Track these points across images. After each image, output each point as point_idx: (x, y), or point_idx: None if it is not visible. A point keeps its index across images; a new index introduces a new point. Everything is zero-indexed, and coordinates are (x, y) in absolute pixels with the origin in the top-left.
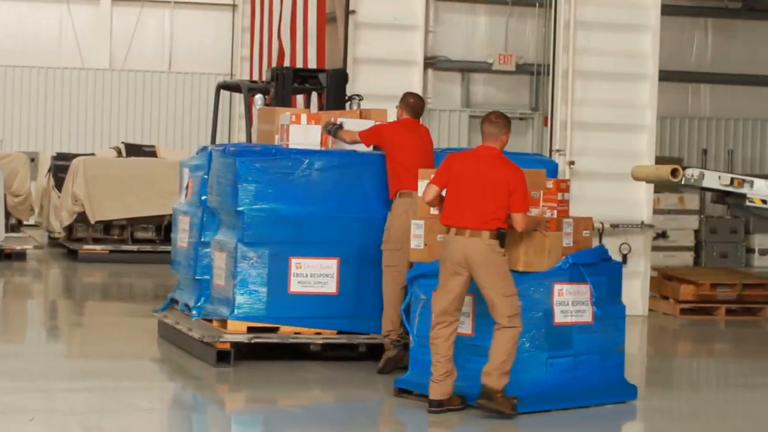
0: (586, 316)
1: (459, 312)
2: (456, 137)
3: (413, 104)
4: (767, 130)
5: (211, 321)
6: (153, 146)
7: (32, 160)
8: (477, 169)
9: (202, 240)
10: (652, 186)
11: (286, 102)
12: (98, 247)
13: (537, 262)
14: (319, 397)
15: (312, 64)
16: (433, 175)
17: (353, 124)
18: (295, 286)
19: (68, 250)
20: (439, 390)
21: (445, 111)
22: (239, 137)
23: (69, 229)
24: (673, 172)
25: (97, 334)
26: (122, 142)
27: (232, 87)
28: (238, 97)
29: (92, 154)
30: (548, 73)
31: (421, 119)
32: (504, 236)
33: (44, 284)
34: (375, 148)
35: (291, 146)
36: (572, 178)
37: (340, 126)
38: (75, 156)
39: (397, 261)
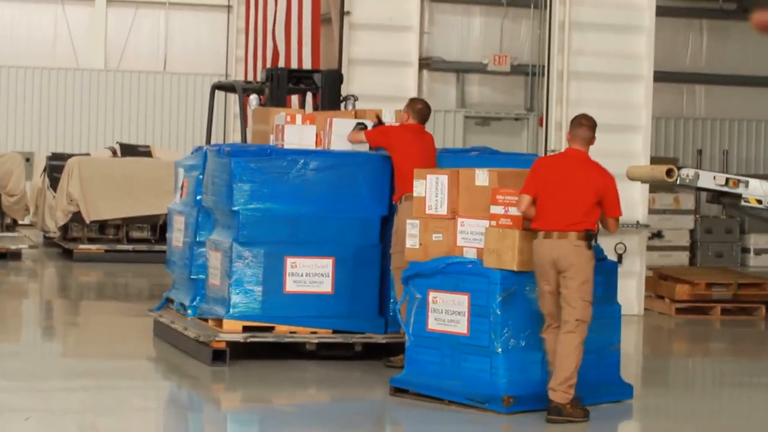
0: None
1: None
2: (451, 138)
3: (420, 110)
4: (762, 130)
5: (206, 320)
6: (148, 146)
7: (27, 160)
8: (566, 173)
9: (198, 239)
10: (647, 186)
11: (281, 102)
12: (93, 247)
13: (532, 262)
14: (315, 396)
15: (307, 65)
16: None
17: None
18: (290, 286)
19: (63, 250)
20: (558, 396)
21: (440, 112)
22: (234, 137)
23: (64, 228)
24: (668, 173)
25: (93, 333)
26: (117, 142)
27: (227, 87)
28: (233, 98)
29: (87, 154)
30: (543, 74)
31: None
32: (592, 238)
33: (39, 284)
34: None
35: (286, 146)
36: None
37: (364, 126)
38: (70, 156)
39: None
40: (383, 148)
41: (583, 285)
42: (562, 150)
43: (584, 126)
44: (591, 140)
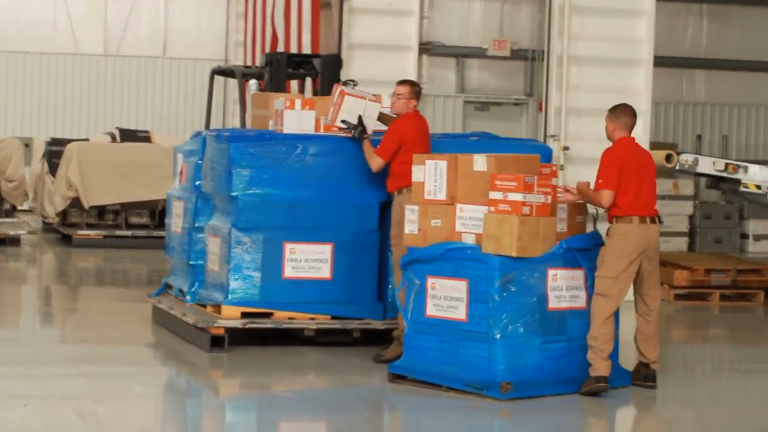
0: (581, 301)
1: None
2: (451, 123)
3: (419, 91)
4: (762, 115)
5: (205, 306)
6: (147, 131)
7: (26, 145)
8: (641, 161)
9: (196, 225)
10: None
11: (280, 87)
12: (92, 233)
13: (531, 248)
14: (314, 382)
15: (306, 50)
16: (600, 181)
17: (354, 103)
18: (289, 272)
19: (62, 236)
20: (606, 367)
21: (440, 96)
22: (233, 122)
23: (63, 214)
24: (668, 158)
25: (92, 319)
26: (116, 128)
27: (226, 72)
28: (233, 83)
29: (86, 140)
30: (543, 59)
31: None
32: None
33: (38, 269)
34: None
35: (285, 131)
36: (567, 163)
37: (363, 130)
38: (69, 141)
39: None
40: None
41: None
42: (559, 136)
43: (632, 115)
44: (633, 126)
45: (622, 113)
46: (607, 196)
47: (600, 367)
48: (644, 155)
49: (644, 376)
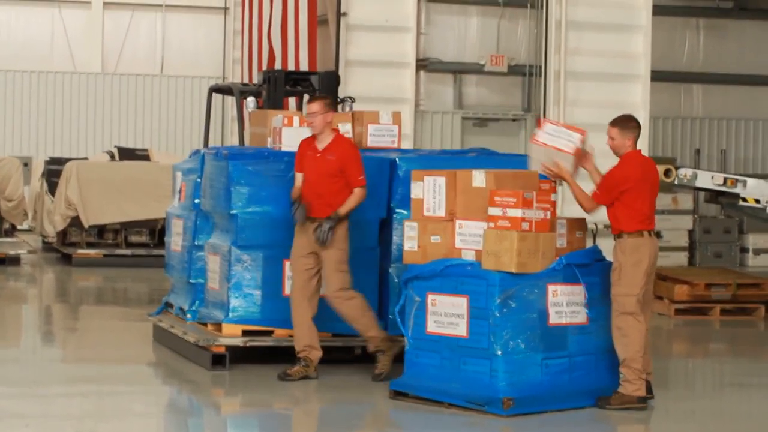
0: (581, 316)
1: None
2: (449, 139)
3: (332, 101)
4: (760, 129)
5: (205, 324)
6: (146, 150)
7: (25, 164)
8: (648, 174)
9: (196, 243)
10: None
11: (278, 104)
12: (92, 252)
13: (531, 263)
14: (315, 400)
15: (303, 67)
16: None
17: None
18: (289, 289)
19: (62, 255)
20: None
21: (438, 113)
22: (232, 140)
23: (63, 233)
24: (666, 172)
25: (92, 338)
26: (115, 146)
27: (224, 90)
28: (231, 100)
29: (85, 158)
30: (540, 74)
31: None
32: None
33: (38, 289)
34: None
35: (284, 149)
36: None
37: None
38: (68, 160)
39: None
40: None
41: None
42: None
43: (638, 125)
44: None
45: (635, 127)
46: (594, 209)
47: (640, 387)
48: (651, 168)
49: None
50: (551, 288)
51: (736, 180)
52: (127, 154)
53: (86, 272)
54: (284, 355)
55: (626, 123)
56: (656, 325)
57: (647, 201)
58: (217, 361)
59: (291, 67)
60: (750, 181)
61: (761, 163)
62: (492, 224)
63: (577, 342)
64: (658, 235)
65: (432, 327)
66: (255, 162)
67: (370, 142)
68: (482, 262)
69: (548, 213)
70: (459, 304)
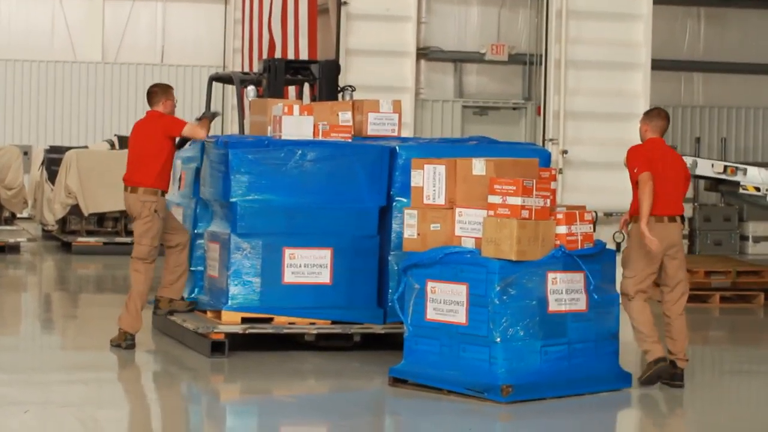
0: (581, 304)
1: None
2: (449, 127)
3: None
4: (760, 118)
5: (205, 312)
6: None
7: (25, 153)
8: (666, 161)
9: (196, 231)
10: None
11: (278, 93)
12: (92, 240)
13: (530, 251)
14: (314, 387)
15: (304, 56)
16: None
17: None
18: (288, 277)
19: (62, 243)
20: (660, 349)
21: (438, 101)
22: (232, 129)
23: (62, 221)
24: None
25: (92, 326)
26: (115, 135)
27: (224, 79)
28: (231, 89)
29: (85, 147)
30: (541, 63)
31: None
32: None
33: (38, 277)
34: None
35: (284, 137)
36: (565, 167)
37: None
38: (68, 149)
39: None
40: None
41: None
42: (558, 140)
43: (663, 118)
44: (666, 130)
45: (656, 116)
46: (646, 178)
47: (655, 350)
48: (672, 156)
49: (672, 375)
50: (551, 275)
51: (737, 168)
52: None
53: (86, 260)
54: (283, 342)
55: (649, 114)
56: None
57: (657, 186)
58: (217, 348)
59: (291, 56)
60: (750, 169)
61: (761, 152)
62: (492, 212)
63: (576, 329)
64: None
65: (431, 314)
66: (255, 150)
67: (371, 130)
68: (482, 250)
69: (548, 201)
70: (458, 291)
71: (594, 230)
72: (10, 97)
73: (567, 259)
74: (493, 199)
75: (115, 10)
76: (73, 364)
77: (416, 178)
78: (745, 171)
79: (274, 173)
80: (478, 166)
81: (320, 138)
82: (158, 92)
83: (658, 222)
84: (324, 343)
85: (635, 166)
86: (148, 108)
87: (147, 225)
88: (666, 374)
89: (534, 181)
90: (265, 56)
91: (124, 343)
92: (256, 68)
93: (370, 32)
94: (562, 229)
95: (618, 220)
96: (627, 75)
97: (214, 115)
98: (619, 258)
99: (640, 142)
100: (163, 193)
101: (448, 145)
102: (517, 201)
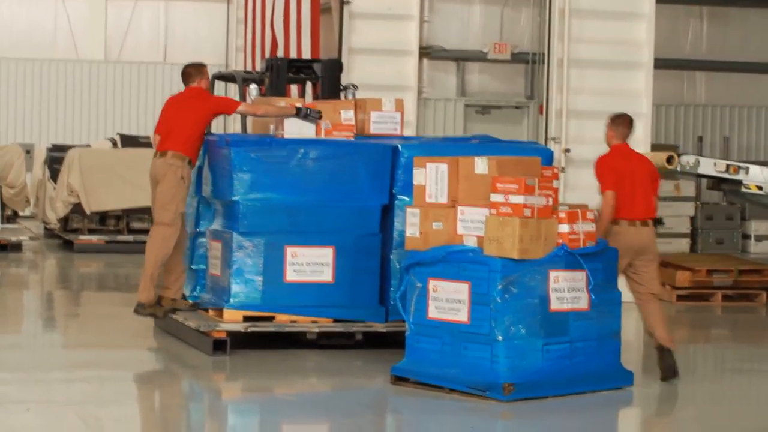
0: (582, 302)
1: None
2: (452, 126)
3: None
4: (762, 117)
5: (207, 310)
6: (148, 137)
7: (27, 151)
8: (634, 165)
9: (198, 230)
10: None
11: (280, 92)
12: (94, 238)
13: (532, 250)
14: (316, 385)
15: (306, 54)
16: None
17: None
18: (290, 275)
19: (64, 241)
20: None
21: (441, 100)
22: (234, 127)
23: (65, 220)
24: (669, 159)
25: (94, 324)
26: (117, 133)
27: (227, 77)
28: (234, 88)
29: (88, 146)
30: (543, 62)
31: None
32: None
33: (40, 275)
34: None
35: (286, 136)
36: (568, 165)
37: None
38: (70, 147)
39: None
40: None
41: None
42: (560, 139)
43: (627, 125)
44: (629, 136)
45: (621, 124)
46: (609, 197)
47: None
48: (638, 160)
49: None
50: (553, 274)
51: (739, 167)
52: (129, 141)
53: (88, 258)
54: (285, 340)
55: (615, 120)
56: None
57: (626, 191)
58: (218, 346)
59: (294, 54)
60: (752, 167)
61: (764, 150)
62: (494, 210)
63: (578, 328)
64: (659, 222)
65: (433, 313)
66: (257, 149)
67: (373, 129)
68: (484, 248)
69: (550, 199)
70: (460, 289)
71: (596, 229)
72: (13, 96)
73: (569, 258)
74: (496, 197)
75: (117, 9)
76: (75, 362)
77: (418, 176)
78: (747, 170)
79: (276, 172)
80: (481, 164)
81: (323, 137)
82: (192, 72)
83: (630, 226)
84: (326, 342)
85: (601, 182)
86: (150, 105)
87: (173, 190)
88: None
89: (536, 179)
90: (267, 55)
91: (145, 311)
92: (258, 67)
93: (373, 31)
94: (564, 228)
95: None
96: (629, 74)
97: (310, 114)
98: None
99: (640, 143)
100: (191, 162)
101: (451, 144)
102: (519, 200)
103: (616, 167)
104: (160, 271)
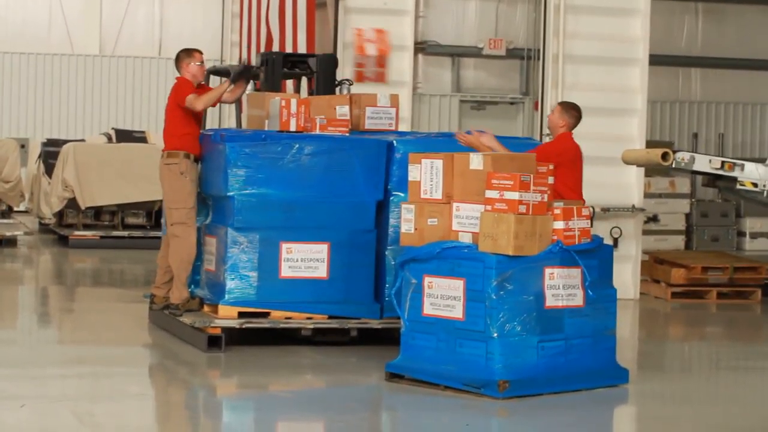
0: (578, 299)
1: None
2: (447, 122)
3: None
4: (758, 114)
5: (202, 306)
6: (143, 132)
7: (22, 146)
8: (576, 153)
9: None
10: (642, 170)
11: (276, 87)
12: (89, 233)
13: (528, 246)
14: (311, 382)
15: (301, 49)
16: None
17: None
18: (285, 271)
19: (59, 236)
20: None
21: (436, 96)
22: (229, 122)
23: (59, 215)
24: (664, 156)
25: (88, 320)
26: (112, 128)
27: (222, 72)
28: None
29: (82, 140)
30: (538, 58)
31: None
32: None
33: (35, 270)
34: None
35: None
36: None
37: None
38: (65, 142)
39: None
40: None
41: None
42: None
43: (577, 117)
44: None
45: (573, 116)
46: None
47: None
48: (577, 148)
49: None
50: (548, 271)
51: (734, 164)
52: (124, 136)
53: (83, 254)
54: (280, 337)
55: (568, 108)
56: (653, 308)
57: (577, 176)
58: (213, 342)
59: (289, 49)
60: (748, 164)
61: (759, 147)
62: (489, 207)
63: (573, 325)
64: (655, 218)
65: (428, 309)
66: (252, 144)
67: (368, 124)
68: (479, 245)
69: (546, 196)
70: (455, 286)
71: (591, 226)
72: (7, 90)
73: (564, 255)
74: (491, 193)
75: (112, 3)
76: (70, 358)
77: (413, 172)
78: (742, 167)
79: (271, 167)
80: (476, 160)
81: (317, 132)
82: (181, 56)
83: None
84: (321, 338)
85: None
86: (144, 100)
87: (175, 188)
88: None
89: (531, 176)
90: (262, 50)
91: (178, 312)
92: (253, 62)
93: (368, 26)
94: (559, 225)
95: (615, 216)
96: (625, 70)
97: (241, 74)
98: (616, 253)
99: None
100: (188, 155)
101: (446, 140)
102: (514, 196)
103: (566, 155)
104: (165, 270)
